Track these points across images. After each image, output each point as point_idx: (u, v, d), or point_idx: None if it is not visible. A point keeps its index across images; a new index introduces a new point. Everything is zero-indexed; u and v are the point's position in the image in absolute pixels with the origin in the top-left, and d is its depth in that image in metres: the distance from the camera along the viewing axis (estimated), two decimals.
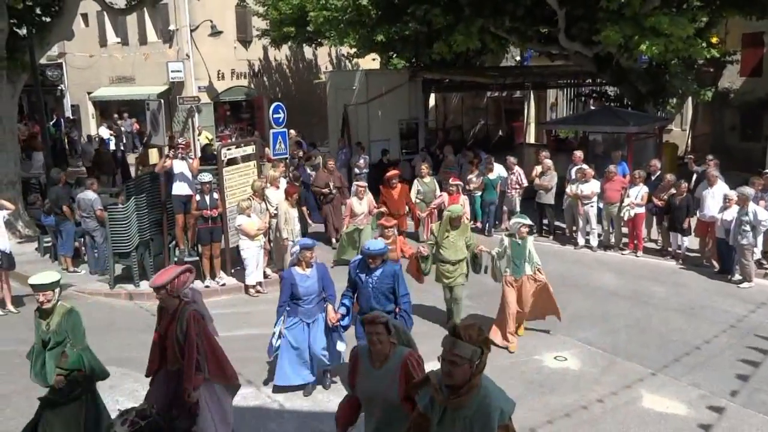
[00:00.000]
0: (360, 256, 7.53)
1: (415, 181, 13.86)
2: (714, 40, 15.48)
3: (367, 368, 4.62)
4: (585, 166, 13.40)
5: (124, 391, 7.62)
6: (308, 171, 15.82)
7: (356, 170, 17.36)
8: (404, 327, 5.18)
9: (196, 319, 5.84)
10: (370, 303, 7.00)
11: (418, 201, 13.51)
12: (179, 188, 11.34)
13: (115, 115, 28.20)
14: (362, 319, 4.80)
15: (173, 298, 5.86)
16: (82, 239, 12.57)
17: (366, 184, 12.55)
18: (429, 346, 7.70)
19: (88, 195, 11.93)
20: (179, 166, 11.32)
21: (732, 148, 19.20)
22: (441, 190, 13.64)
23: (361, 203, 11.96)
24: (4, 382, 7.94)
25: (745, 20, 15.77)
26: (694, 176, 13.51)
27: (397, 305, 7.09)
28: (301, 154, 19.57)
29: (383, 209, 12.36)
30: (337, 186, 13.92)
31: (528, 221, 8.77)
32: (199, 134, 23.86)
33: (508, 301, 8.55)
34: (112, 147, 26.22)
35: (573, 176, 13.66)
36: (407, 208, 13.11)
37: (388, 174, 12.91)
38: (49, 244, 12.99)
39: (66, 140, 27.43)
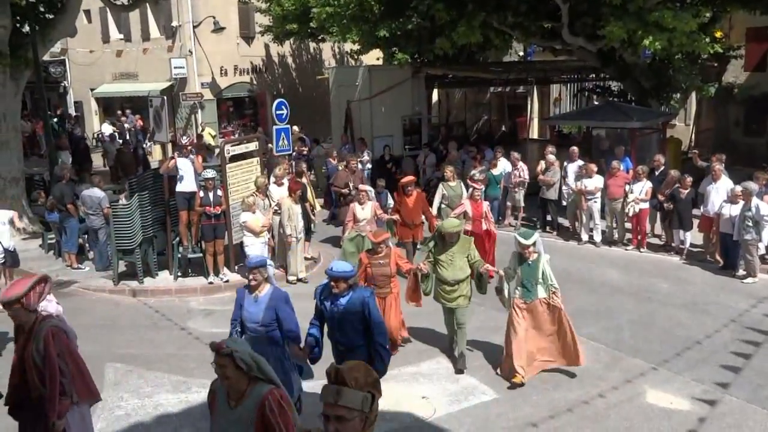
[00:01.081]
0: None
1: (440, 185, 12.68)
2: (718, 34, 15.41)
3: (223, 407, 3.99)
4: (581, 162, 13.39)
5: (129, 387, 7.65)
6: (333, 163, 15.53)
7: (359, 165, 17.17)
8: (262, 362, 4.03)
9: (55, 335, 5.04)
10: (335, 336, 6.14)
11: (443, 206, 12.38)
12: (183, 185, 11.35)
13: (119, 112, 28.24)
14: (210, 346, 3.96)
15: (29, 313, 5.04)
16: (86, 236, 12.60)
17: (369, 188, 11.74)
18: (428, 386, 7.80)
19: (96, 192, 11.95)
20: (183, 164, 11.33)
21: (736, 143, 19.15)
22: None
23: (364, 208, 10.89)
24: (7, 380, 7.94)
25: (750, 15, 15.71)
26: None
27: (369, 339, 5.99)
28: (304, 150, 19.59)
29: (396, 217, 11.39)
30: (356, 187, 12.80)
31: (529, 240, 7.42)
32: (202, 131, 23.87)
33: (516, 330, 7.44)
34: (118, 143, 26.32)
35: (568, 173, 13.65)
36: (423, 217, 11.72)
37: (404, 180, 11.66)
38: (53, 241, 13.01)
39: (69, 137, 27.48)
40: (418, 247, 11.78)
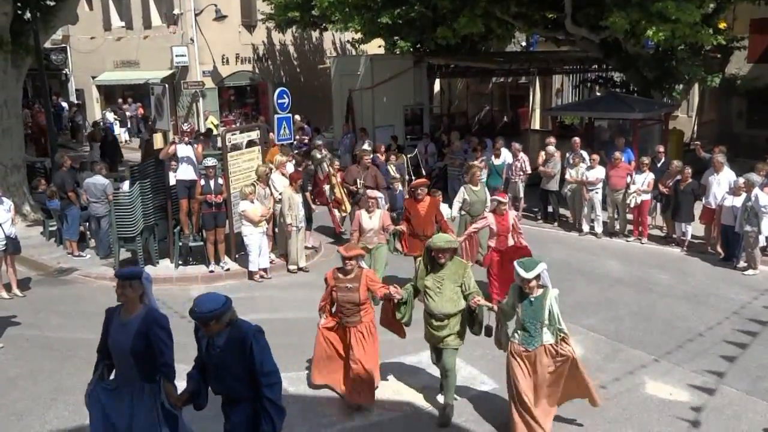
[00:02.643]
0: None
1: (462, 188, 11.40)
2: (721, 25, 15.36)
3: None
4: (583, 152, 13.36)
5: None
6: (381, 158, 14.79)
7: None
8: None
9: None
10: (213, 385, 4.89)
11: (462, 214, 11.23)
12: (184, 173, 11.34)
13: (120, 100, 28.19)
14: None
15: None
16: (87, 224, 12.61)
17: (380, 195, 10.29)
18: (428, 376, 7.47)
19: (99, 180, 11.95)
20: (184, 151, 11.31)
21: (738, 135, 19.10)
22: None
23: (372, 217, 9.57)
24: (11, 366, 8.00)
25: (753, 6, 15.64)
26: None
27: (259, 389, 4.68)
28: (305, 139, 19.57)
29: (403, 227, 9.83)
30: (367, 185, 12.03)
31: (530, 272, 5.79)
32: (206, 119, 23.85)
33: (517, 384, 6.03)
34: (117, 131, 26.31)
35: (571, 162, 13.63)
36: (436, 227, 9.81)
37: (415, 182, 10.27)
38: (55, 229, 13.02)
39: (71, 125, 27.49)
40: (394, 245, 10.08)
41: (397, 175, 13.59)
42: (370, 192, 10.13)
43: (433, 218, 9.79)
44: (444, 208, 11.27)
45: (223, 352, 4.73)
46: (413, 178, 15.42)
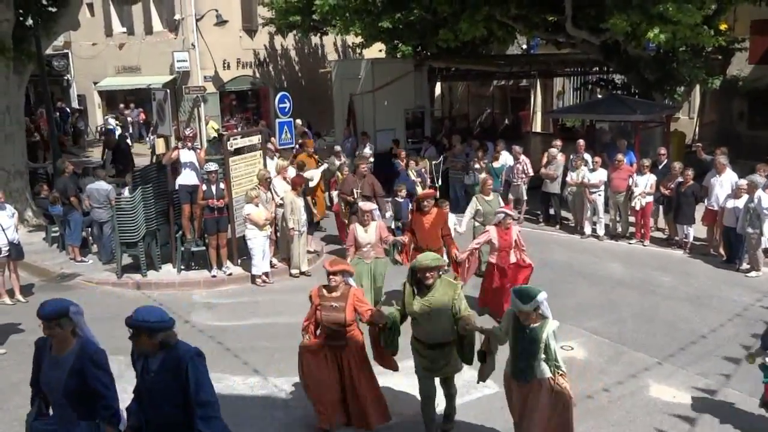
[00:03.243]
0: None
1: (474, 198, 11.00)
2: (722, 27, 15.36)
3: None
4: (586, 155, 13.36)
5: (132, 380, 7.64)
6: (401, 164, 14.33)
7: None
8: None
9: None
10: (147, 413, 4.41)
11: (476, 225, 10.91)
12: (186, 178, 11.36)
13: (121, 105, 28.24)
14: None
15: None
16: (90, 229, 12.62)
17: (374, 207, 9.70)
18: None
19: (102, 185, 11.98)
20: (186, 156, 11.33)
21: (740, 136, 19.08)
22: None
23: (367, 231, 9.12)
24: (14, 371, 8.00)
25: (754, 7, 15.63)
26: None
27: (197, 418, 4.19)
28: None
29: (405, 238, 9.34)
30: (364, 195, 11.62)
31: (528, 304, 5.23)
32: (207, 123, 23.88)
33: (513, 414, 5.78)
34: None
35: (573, 164, 13.62)
36: (443, 241, 9.22)
37: (422, 193, 9.67)
38: (57, 234, 13.04)
39: (73, 130, 27.52)
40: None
41: (418, 180, 13.26)
42: (363, 204, 9.56)
43: (438, 231, 9.13)
44: (450, 219, 10.75)
45: (156, 376, 4.27)
46: (439, 184, 15.37)
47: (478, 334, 5.87)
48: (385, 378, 7.15)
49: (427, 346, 5.96)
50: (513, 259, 9.00)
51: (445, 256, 9.45)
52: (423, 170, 14.27)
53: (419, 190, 12.62)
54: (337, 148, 15.84)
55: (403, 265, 9.33)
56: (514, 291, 5.43)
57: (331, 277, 6.14)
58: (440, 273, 5.98)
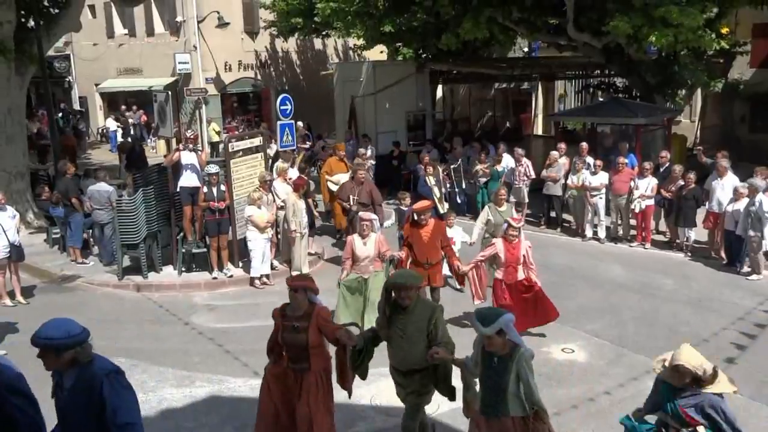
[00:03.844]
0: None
1: (486, 208, 10.33)
2: (724, 30, 15.34)
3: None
4: (589, 158, 13.36)
5: (133, 382, 7.54)
6: (421, 172, 13.74)
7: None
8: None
9: None
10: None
11: (486, 237, 10.15)
12: (187, 180, 11.37)
13: (123, 107, 28.28)
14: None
15: None
16: (91, 231, 12.63)
17: (374, 217, 9.11)
18: None
19: (103, 187, 11.99)
20: (188, 158, 11.34)
21: (741, 140, 19.08)
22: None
23: (366, 243, 8.55)
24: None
25: (756, 11, 15.63)
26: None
27: None
28: (307, 146, 19.58)
29: (402, 253, 8.75)
30: (361, 202, 11.16)
31: (488, 327, 4.58)
32: (209, 125, 23.91)
33: None
34: (119, 138, 26.38)
35: (575, 167, 13.61)
36: (442, 254, 8.79)
37: (418, 206, 8.85)
38: (58, 236, 13.05)
39: (74, 132, 27.55)
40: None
41: (435, 187, 12.77)
42: (363, 214, 8.97)
43: (437, 243, 8.66)
44: (457, 230, 10.69)
45: (69, 395, 3.90)
46: (460, 189, 15.15)
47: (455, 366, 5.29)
48: (389, 380, 7.14)
49: (400, 373, 5.48)
50: (521, 275, 8.35)
51: (445, 269, 9.26)
52: (442, 176, 13.75)
53: (436, 198, 12.26)
54: (362, 150, 15.47)
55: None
56: (475, 313, 4.79)
57: (293, 294, 5.47)
58: (419, 293, 5.41)
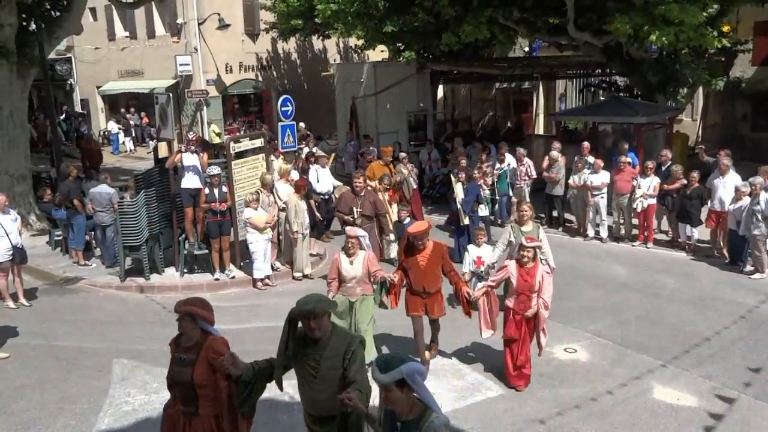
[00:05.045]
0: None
1: (508, 226, 9.16)
2: (725, 28, 15.34)
3: None
4: (591, 158, 13.35)
5: (136, 383, 7.67)
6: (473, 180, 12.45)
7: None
8: None
9: None
10: None
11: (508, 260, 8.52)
12: (189, 181, 11.38)
13: (122, 110, 28.32)
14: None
15: None
16: (93, 233, 12.65)
17: (363, 233, 7.97)
18: (433, 382, 6.45)
19: (105, 189, 12.01)
20: (189, 159, 11.35)
21: (743, 138, 19.06)
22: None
23: (353, 262, 7.61)
24: (18, 375, 8.01)
25: (758, 8, 15.61)
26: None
27: None
28: (308, 148, 19.57)
29: (395, 277, 7.63)
30: (365, 214, 10.47)
31: (384, 375, 3.57)
32: (209, 126, 23.93)
33: None
34: (121, 140, 26.42)
35: (575, 167, 13.59)
36: (443, 279, 7.74)
37: (413, 229, 7.68)
38: (60, 238, 13.06)
39: (76, 135, 27.59)
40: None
41: (459, 197, 11.73)
42: (349, 229, 7.97)
43: (437, 270, 7.61)
44: (487, 250, 9.18)
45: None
46: (495, 197, 13.96)
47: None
48: None
49: (314, 419, 4.63)
50: (532, 310, 7.18)
51: (445, 300, 7.93)
52: (482, 181, 12.60)
53: (458, 203, 11.55)
54: (403, 154, 14.44)
55: (390, 309, 7.79)
56: (375, 362, 3.71)
57: (179, 321, 4.62)
58: (329, 323, 4.43)
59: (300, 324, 4.42)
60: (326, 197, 13.61)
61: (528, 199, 14.08)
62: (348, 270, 7.58)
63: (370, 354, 7.22)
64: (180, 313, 4.60)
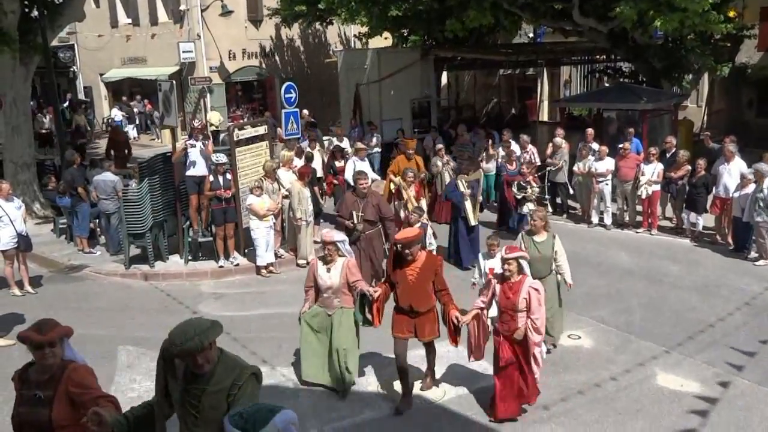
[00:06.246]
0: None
1: (519, 237, 7.84)
2: (731, 13, 15.22)
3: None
4: (595, 144, 13.30)
5: (141, 370, 7.71)
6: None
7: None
8: None
9: None
10: None
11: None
12: (193, 169, 11.38)
13: (124, 98, 28.28)
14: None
15: None
16: (97, 220, 12.68)
17: (342, 238, 7.15)
18: (438, 369, 6.60)
19: (108, 176, 12.01)
20: (194, 154, 11.35)
21: (749, 125, 18.96)
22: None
23: (330, 270, 6.86)
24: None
25: None
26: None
27: None
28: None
29: (378, 291, 6.63)
30: (367, 219, 9.34)
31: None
32: (211, 110, 23.89)
33: None
34: (125, 128, 26.36)
35: (580, 154, 13.55)
36: (436, 299, 6.65)
37: (402, 236, 6.65)
38: (65, 226, 13.09)
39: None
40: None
41: (467, 192, 10.72)
42: (326, 234, 7.01)
43: (429, 286, 6.53)
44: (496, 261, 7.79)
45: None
46: (506, 198, 12.73)
47: None
48: (383, 370, 7.10)
49: None
50: (521, 329, 6.24)
51: (439, 320, 6.70)
52: (531, 177, 12.01)
53: (468, 207, 10.56)
54: (439, 145, 13.78)
55: (374, 327, 6.82)
56: (227, 417, 3.22)
57: (38, 352, 3.82)
58: (218, 354, 3.64)
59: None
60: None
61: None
62: (324, 279, 6.83)
63: (353, 378, 6.92)
64: (45, 342, 3.79)
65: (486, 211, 13.61)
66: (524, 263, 6.36)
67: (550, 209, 13.85)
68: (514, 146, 14.47)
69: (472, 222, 10.68)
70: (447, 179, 12.29)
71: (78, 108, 26.92)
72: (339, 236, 7.07)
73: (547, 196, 14.14)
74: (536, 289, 6.26)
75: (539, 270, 7.33)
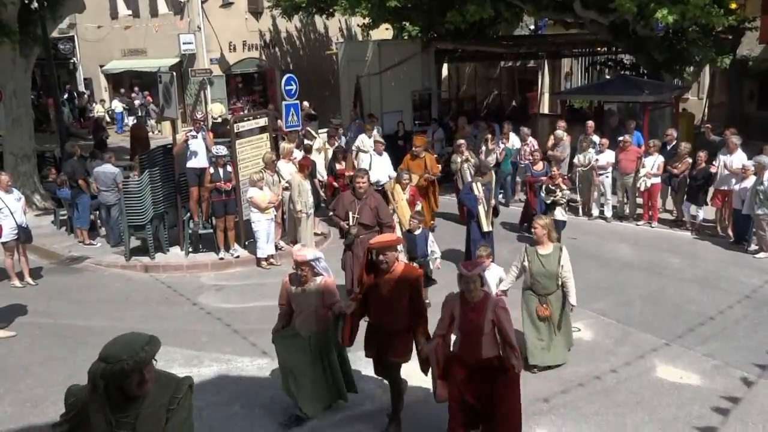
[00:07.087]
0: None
1: (524, 250, 7.19)
2: (733, 6, 15.14)
3: None
4: (596, 137, 13.27)
5: None
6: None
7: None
8: None
9: None
10: None
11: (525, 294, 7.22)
12: (194, 161, 11.37)
13: (122, 90, 28.23)
14: None
15: None
16: (98, 212, 12.68)
17: (317, 255, 6.24)
18: None
19: (109, 168, 12.01)
20: (196, 145, 11.33)
21: (750, 117, 18.93)
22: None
23: (305, 290, 6.12)
24: (25, 354, 8.08)
25: None
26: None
27: None
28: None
29: (351, 308, 5.91)
30: (363, 223, 8.49)
31: None
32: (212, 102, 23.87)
33: None
34: (125, 120, 26.36)
35: (580, 146, 13.54)
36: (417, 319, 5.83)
37: (377, 241, 5.88)
38: (65, 217, 13.09)
39: (80, 115, 27.56)
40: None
41: (482, 196, 9.63)
42: (297, 253, 6.14)
43: (403, 302, 5.68)
44: (495, 273, 7.57)
45: None
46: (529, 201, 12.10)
47: None
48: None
49: None
50: (489, 352, 5.28)
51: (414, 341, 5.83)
52: (561, 180, 10.85)
53: (482, 211, 9.58)
54: (461, 141, 12.92)
55: (344, 347, 6.26)
56: None
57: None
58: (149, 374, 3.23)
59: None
60: (377, 188, 11.39)
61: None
62: (299, 301, 6.07)
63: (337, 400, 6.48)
64: None
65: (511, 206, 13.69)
66: (488, 279, 5.62)
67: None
68: (515, 138, 14.46)
69: (485, 228, 9.66)
70: (468, 177, 11.48)
71: (90, 99, 26.92)
72: (312, 254, 6.19)
73: (579, 198, 13.50)
74: (503, 307, 5.35)
75: (545, 286, 6.93)
